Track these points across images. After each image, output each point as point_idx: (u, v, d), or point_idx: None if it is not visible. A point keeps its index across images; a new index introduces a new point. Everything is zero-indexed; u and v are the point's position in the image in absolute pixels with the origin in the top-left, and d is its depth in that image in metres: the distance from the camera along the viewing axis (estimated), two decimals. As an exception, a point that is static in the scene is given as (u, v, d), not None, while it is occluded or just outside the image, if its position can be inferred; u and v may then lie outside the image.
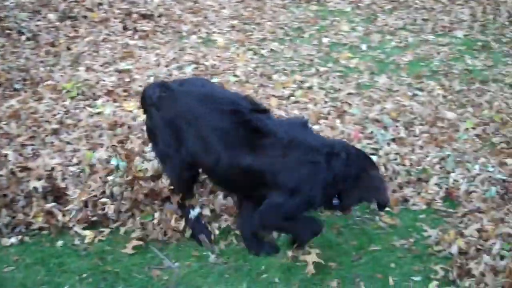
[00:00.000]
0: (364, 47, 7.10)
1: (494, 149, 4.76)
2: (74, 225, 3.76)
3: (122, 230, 3.77)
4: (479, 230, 3.71)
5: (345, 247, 3.72)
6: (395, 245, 3.73)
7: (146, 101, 3.71)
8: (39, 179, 3.92)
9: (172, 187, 3.76)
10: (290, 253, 3.59)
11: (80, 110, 5.04)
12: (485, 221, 3.78)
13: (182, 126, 3.47)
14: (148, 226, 3.76)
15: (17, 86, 5.42)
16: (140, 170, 3.97)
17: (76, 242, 3.69)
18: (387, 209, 4.02)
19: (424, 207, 4.12)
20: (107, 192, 3.89)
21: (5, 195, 3.80)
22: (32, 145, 4.43)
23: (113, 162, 4.06)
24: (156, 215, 3.80)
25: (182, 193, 3.68)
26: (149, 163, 4.06)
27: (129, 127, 4.66)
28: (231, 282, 3.42)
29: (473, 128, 5.07)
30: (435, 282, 3.41)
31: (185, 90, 3.61)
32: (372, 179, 3.43)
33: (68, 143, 4.49)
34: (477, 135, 4.98)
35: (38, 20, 6.91)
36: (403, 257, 3.63)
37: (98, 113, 4.98)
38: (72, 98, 5.23)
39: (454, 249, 3.60)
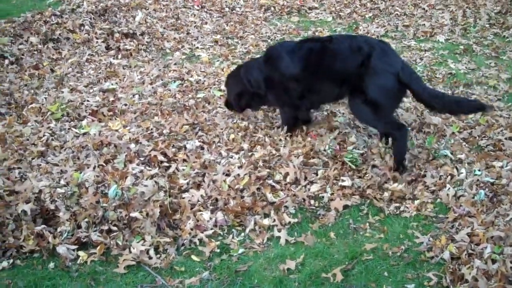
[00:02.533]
0: (347, 56, 7.13)
1: (481, 152, 4.77)
2: (66, 247, 3.73)
3: (115, 251, 3.73)
4: (470, 235, 3.70)
5: (338, 257, 3.70)
6: (387, 253, 3.71)
7: None
8: (27, 202, 3.88)
9: None
10: (281, 266, 3.58)
11: (65, 131, 5.02)
12: (476, 225, 3.78)
13: None
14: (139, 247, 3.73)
15: (1, 110, 5.39)
16: (134, 194, 3.97)
17: (68, 263, 3.65)
18: (377, 217, 4.05)
19: (414, 213, 4.12)
20: (99, 214, 3.85)
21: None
22: (19, 168, 4.38)
23: (111, 192, 4.01)
24: (148, 238, 3.78)
25: None
26: (143, 187, 4.04)
27: (115, 146, 4.64)
28: (225, 298, 3.40)
29: (460, 132, 5.09)
30: (429, 289, 3.40)
31: None
32: None
33: (55, 164, 4.46)
34: (464, 139, 5.00)
35: (21, 44, 6.91)
36: (396, 265, 3.62)
37: (84, 134, 4.96)
38: (57, 119, 5.21)
39: (446, 255, 3.58)
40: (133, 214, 3.83)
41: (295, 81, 4.67)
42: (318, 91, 4.69)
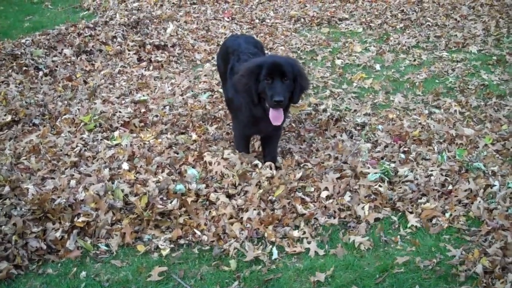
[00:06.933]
0: (377, 67, 7.11)
1: (515, 164, 4.69)
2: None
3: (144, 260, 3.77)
4: (503, 248, 3.64)
5: (368, 270, 3.67)
6: (419, 266, 3.66)
7: None
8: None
9: None
10: (312, 279, 3.56)
11: (98, 142, 5.09)
12: (509, 238, 3.71)
13: None
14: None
15: (35, 121, 5.49)
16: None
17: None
18: (409, 230, 4.01)
19: (446, 226, 4.05)
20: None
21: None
22: (52, 178, 4.44)
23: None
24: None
25: None
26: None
27: (146, 158, 4.68)
28: (254, 309, 3.39)
29: (493, 144, 5.02)
30: (461, 303, 3.34)
31: None
32: None
33: (87, 175, 4.51)
34: (497, 151, 4.92)
35: (55, 56, 7.05)
36: (427, 278, 3.56)
37: (116, 145, 5.02)
38: (90, 130, 5.29)
39: (479, 269, 3.51)
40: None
41: None
42: None
